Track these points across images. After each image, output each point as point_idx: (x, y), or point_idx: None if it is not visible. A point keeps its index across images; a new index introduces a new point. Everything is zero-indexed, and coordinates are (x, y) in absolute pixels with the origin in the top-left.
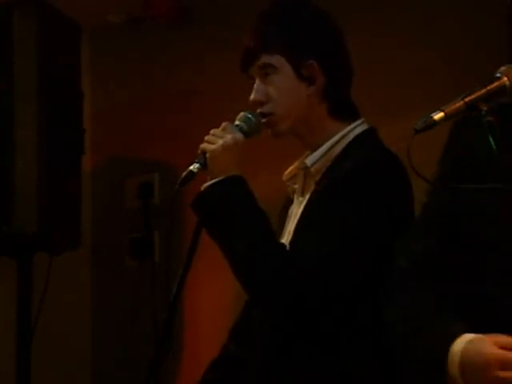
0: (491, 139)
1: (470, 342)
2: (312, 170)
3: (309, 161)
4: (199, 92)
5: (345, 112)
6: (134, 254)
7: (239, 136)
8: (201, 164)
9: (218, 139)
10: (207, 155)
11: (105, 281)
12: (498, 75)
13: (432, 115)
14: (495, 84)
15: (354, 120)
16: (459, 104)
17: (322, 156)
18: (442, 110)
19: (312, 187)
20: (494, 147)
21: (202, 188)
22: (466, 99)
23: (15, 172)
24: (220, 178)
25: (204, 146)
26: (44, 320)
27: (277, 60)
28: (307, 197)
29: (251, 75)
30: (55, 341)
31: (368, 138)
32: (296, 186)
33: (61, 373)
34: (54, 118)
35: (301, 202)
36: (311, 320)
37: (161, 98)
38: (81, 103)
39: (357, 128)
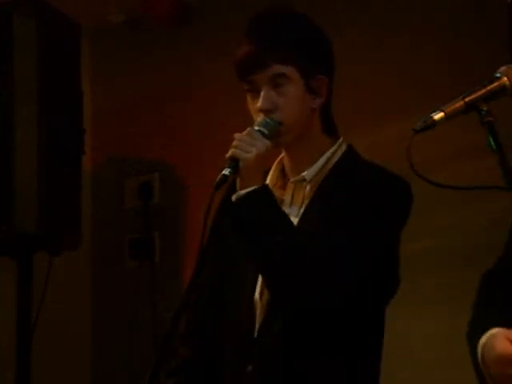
0: (491, 139)
1: (490, 335)
2: (310, 183)
3: (308, 175)
4: (199, 92)
5: (333, 129)
6: (133, 254)
7: (268, 144)
8: (232, 169)
9: (250, 147)
10: (241, 163)
11: (105, 281)
12: (498, 75)
13: (432, 115)
14: (495, 84)
15: (338, 137)
16: (459, 104)
17: (320, 170)
18: (442, 110)
19: (301, 198)
20: (494, 147)
21: (238, 196)
22: (466, 99)
23: (15, 172)
24: (254, 188)
25: (237, 152)
26: (44, 320)
27: (290, 70)
28: (300, 209)
29: (252, 81)
30: (55, 340)
31: (354, 153)
32: (284, 198)
33: (61, 372)
34: (54, 117)
35: (289, 214)
36: (327, 315)
37: (161, 97)
38: (81, 103)
39: (342, 145)
